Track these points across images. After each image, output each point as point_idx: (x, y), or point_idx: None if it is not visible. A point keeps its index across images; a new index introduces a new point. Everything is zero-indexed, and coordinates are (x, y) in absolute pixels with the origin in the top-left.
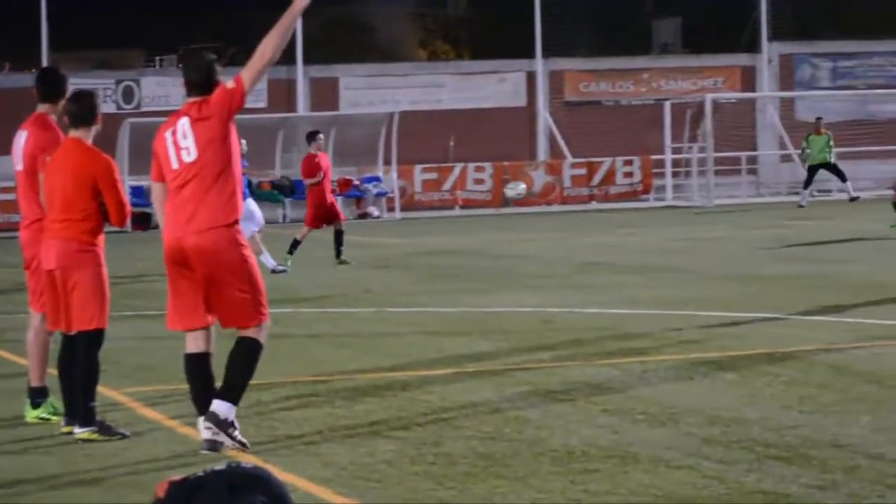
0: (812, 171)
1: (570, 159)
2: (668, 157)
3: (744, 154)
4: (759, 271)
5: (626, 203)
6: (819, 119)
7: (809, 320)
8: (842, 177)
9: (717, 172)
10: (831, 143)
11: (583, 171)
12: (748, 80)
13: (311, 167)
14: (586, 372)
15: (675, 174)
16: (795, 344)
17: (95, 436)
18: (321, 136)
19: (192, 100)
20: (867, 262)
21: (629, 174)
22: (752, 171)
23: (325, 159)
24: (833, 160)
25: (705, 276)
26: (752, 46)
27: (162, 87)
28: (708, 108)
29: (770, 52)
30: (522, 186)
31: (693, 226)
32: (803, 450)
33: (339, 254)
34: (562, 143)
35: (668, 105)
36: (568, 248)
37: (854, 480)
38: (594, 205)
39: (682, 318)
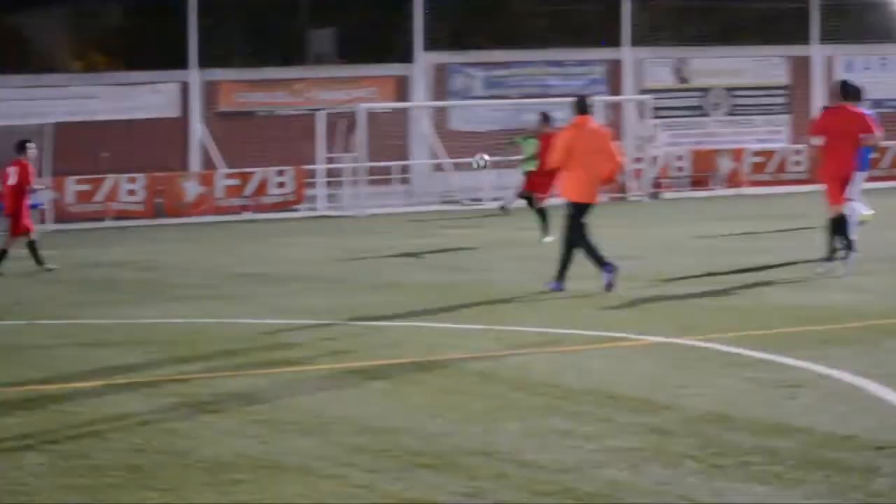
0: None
1: (223, 170)
2: (321, 167)
3: (396, 164)
4: (410, 280)
5: (280, 213)
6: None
7: (458, 328)
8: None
9: (370, 182)
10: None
11: (236, 181)
12: (402, 89)
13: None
14: (236, 382)
15: (328, 184)
16: (444, 352)
17: None
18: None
19: None
20: (513, 270)
21: (282, 184)
22: (405, 181)
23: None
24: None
25: (356, 286)
26: (406, 56)
27: None
28: (362, 117)
29: (424, 62)
30: (486, 158)
31: (345, 235)
32: (452, 457)
33: None
34: (215, 153)
35: (321, 115)
36: (220, 259)
37: (503, 487)
38: (247, 215)
39: (333, 327)
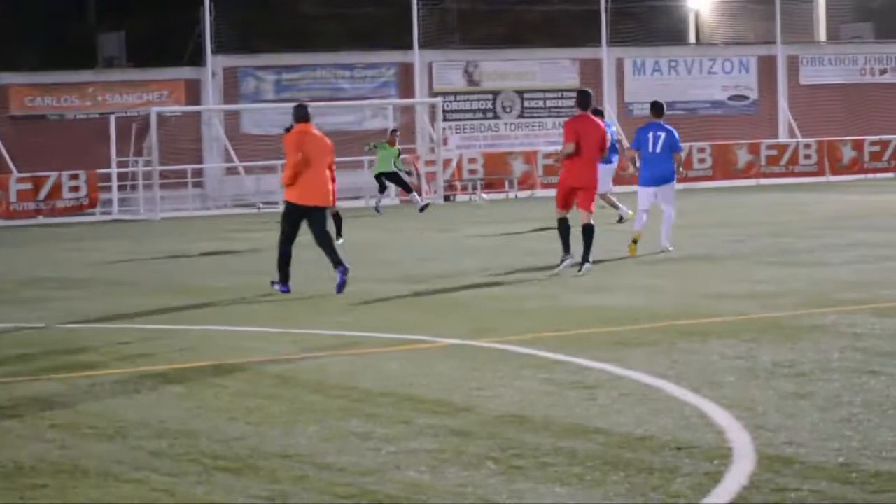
0: (378, 178)
1: (15, 174)
2: (114, 170)
3: (189, 167)
4: (204, 283)
5: (73, 217)
6: (394, 132)
7: (255, 331)
8: (406, 187)
9: (163, 186)
10: (401, 155)
11: (29, 185)
12: (193, 93)
13: None
14: (33, 387)
15: (121, 188)
16: (242, 355)
17: None
18: None
19: None
20: (308, 273)
21: (75, 188)
22: (198, 185)
23: None
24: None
25: (151, 290)
26: (197, 60)
27: None
28: (153, 121)
29: (214, 66)
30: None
31: (139, 239)
32: (251, 461)
33: None
34: (7, 158)
35: (113, 119)
36: (13, 263)
37: (303, 490)
38: (41, 219)
39: (130, 331)
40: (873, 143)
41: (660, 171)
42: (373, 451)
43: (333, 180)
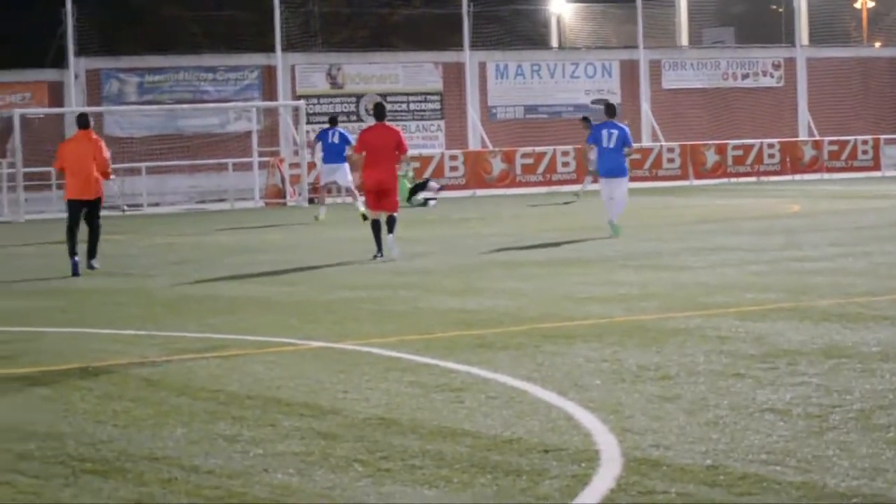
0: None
1: None
2: None
3: (53, 169)
4: (70, 286)
5: None
6: None
7: (122, 334)
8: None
9: (27, 188)
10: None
11: None
12: (56, 95)
13: None
14: None
15: None
16: (108, 358)
17: None
18: None
19: None
20: (172, 275)
21: None
22: (62, 187)
23: None
24: None
25: (13, 291)
26: (59, 62)
27: None
28: (17, 123)
29: (77, 68)
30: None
31: (2, 242)
32: (119, 463)
33: None
34: None
35: None
36: None
37: (170, 493)
38: None
39: None
40: (736, 147)
41: (615, 164)
42: (240, 453)
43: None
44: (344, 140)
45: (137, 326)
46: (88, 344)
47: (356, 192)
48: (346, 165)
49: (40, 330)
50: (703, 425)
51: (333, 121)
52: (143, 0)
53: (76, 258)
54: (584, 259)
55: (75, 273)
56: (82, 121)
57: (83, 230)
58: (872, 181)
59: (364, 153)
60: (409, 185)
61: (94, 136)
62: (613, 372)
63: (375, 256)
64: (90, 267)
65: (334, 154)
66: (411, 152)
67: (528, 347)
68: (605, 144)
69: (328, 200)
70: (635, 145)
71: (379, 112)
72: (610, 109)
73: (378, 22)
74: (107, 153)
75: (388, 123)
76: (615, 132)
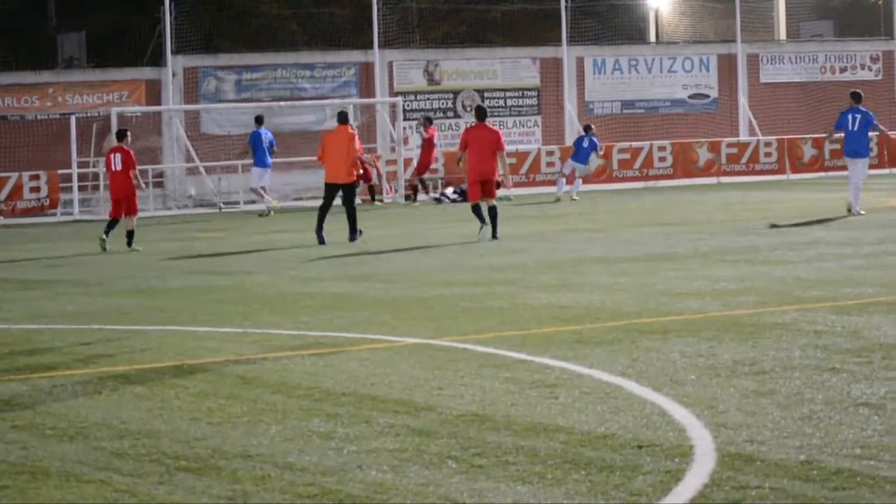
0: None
1: None
2: (75, 171)
3: (150, 167)
4: (167, 284)
5: (34, 218)
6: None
7: (217, 332)
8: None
9: None
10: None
11: None
12: (154, 93)
13: None
14: None
15: (81, 188)
16: (204, 356)
17: None
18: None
19: None
20: (268, 273)
21: (36, 189)
22: (159, 185)
23: None
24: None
25: (113, 290)
26: (157, 60)
27: None
28: (114, 121)
29: (174, 66)
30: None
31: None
32: (213, 461)
33: None
34: None
35: (73, 119)
36: None
37: (264, 490)
38: (2, 220)
39: (91, 332)
40: (834, 140)
41: (859, 145)
42: (334, 450)
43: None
44: (270, 143)
45: (234, 324)
46: (185, 342)
47: (260, 192)
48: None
49: (138, 328)
50: (798, 420)
51: (260, 120)
52: None
53: (322, 233)
54: (679, 254)
55: (321, 243)
56: (342, 117)
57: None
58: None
59: (467, 151)
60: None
61: (351, 130)
62: (708, 367)
63: (481, 228)
64: (352, 240)
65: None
66: (509, 148)
67: (624, 343)
68: (850, 128)
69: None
70: (732, 139)
71: (480, 114)
72: (856, 96)
73: (475, 18)
74: (360, 145)
75: (488, 124)
76: (859, 116)
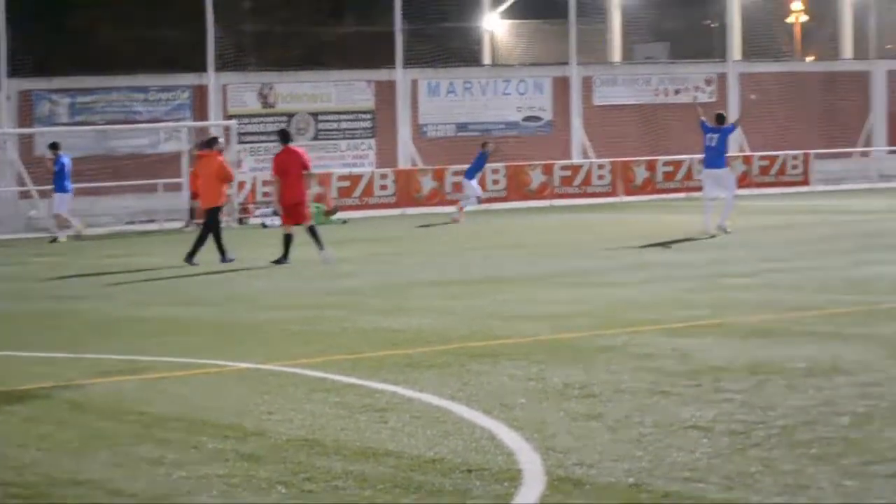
0: None
1: None
2: None
3: None
4: None
5: None
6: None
7: (48, 357)
8: None
9: None
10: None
11: None
12: None
13: None
14: None
15: None
16: (33, 381)
17: None
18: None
19: None
20: (100, 298)
21: None
22: None
23: None
24: None
25: None
26: None
27: None
28: None
29: (9, 89)
30: None
31: None
32: (43, 488)
33: None
34: None
35: None
36: None
37: None
38: None
39: None
40: (666, 163)
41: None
42: (164, 476)
43: None
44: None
45: (65, 349)
46: (14, 367)
47: (67, 219)
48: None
49: None
50: (627, 443)
51: (56, 146)
52: (78, 21)
53: (227, 254)
54: (511, 277)
55: (231, 260)
56: (209, 143)
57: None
58: (802, 196)
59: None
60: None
61: (219, 154)
62: (538, 390)
63: (279, 262)
64: (191, 261)
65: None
66: (341, 171)
67: (454, 366)
68: (710, 144)
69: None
70: (565, 162)
71: (283, 137)
72: (719, 118)
73: (310, 40)
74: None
75: (292, 146)
76: (717, 135)
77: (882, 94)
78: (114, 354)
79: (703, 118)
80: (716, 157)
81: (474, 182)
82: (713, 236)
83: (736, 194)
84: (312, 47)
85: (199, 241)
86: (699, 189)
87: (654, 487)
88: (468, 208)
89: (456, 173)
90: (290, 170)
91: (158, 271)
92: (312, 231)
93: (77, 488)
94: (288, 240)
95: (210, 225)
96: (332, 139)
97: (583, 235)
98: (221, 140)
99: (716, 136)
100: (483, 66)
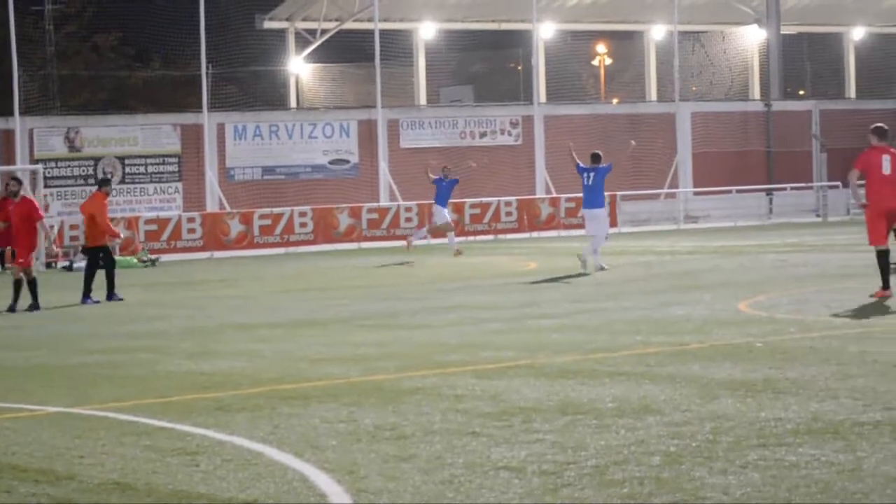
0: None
1: None
2: None
3: None
4: None
5: None
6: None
7: None
8: None
9: None
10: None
11: None
12: None
13: None
14: None
15: None
16: None
17: None
18: None
19: None
20: None
21: None
22: None
23: None
24: None
25: None
26: None
27: None
28: None
29: None
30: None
31: None
32: None
33: None
34: None
35: None
36: None
37: None
38: None
39: None
40: (473, 205)
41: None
42: None
43: None
44: None
45: None
46: None
47: None
48: None
49: None
50: (439, 484)
51: None
52: None
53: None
54: (320, 319)
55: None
56: (100, 183)
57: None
58: (610, 237)
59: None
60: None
61: (103, 195)
62: (349, 433)
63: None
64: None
65: None
66: (149, 214)
67: (265, 409)
68: (587, 183)
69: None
70: (373, 204)
71: (12, 188)
72: (595, 157)
73: (116, 84)
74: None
75: (28, 195)
76: (593, 174)
77: (687, 135)
78: None
79: (577, 160)
80: (593, 197)
81: (446, 210)
82: (586, 274)
83: (608, 234)
84: (118, 91)
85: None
86: (508, 231)
87: None
88: (415, 242)
89: (263, 216)
90: (22, 219)
91: None
92: (31, 283)
93: None
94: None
95: (92, 264)
96: (139, 183)
97: (391, 278)
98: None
99: (592, 174)
100: (289, 109)
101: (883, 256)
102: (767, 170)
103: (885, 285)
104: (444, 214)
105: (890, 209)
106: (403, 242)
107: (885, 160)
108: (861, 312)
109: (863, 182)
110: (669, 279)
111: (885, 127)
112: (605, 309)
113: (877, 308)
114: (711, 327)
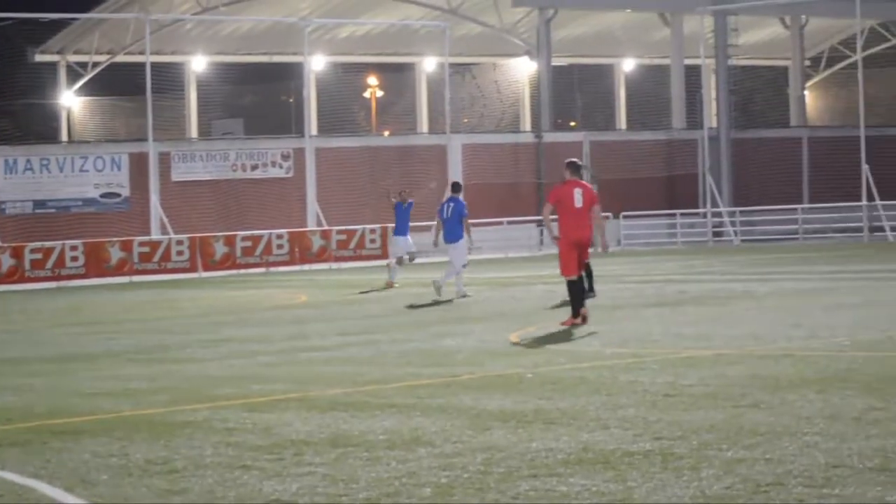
0: None
1: None
2: None
3: None
4: None
5: None
6: None
7: None
8: None
9: None
10: None
11: None
12: None
13: None
14: None
15: None
16: None
17: None
18: None
19: None
20: None
21: None
22: None
23: None
24: None
25: None
26: None
27: None
28: None
29: None
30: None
31: None
32: None
33: None
34: None
35: None
36: None
37: None
38: None
39: None
40: (245, 238)
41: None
42: None
43: None
44: None
45: None
46: None
47: None
48: None
49: None
50: None
51: None
52: None
53: None
54: (91, 354)
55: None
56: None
57: None
58: (381, 269)
59: None
60: None
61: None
62: (121, 466)
63: None
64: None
65: None
66: None
67: (35, 444)
68: (445, 216)
69: None
70: (144, 238)
71: None
72: (455, 187)
73: None
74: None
75: None
76: (453, 205)
77: (458, 166)
78: None
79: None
80: (452, 229)
81: (409, 238)
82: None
83: (465, 264)
84: None
85: None
86: (280, 264)
87: None
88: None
89: (34, 250)
90: None
91: None
92: None
93: None
94: None
95: None
96: None
97: (163, 311)
98: None
99: (451, 205)
100: (60, 143)
101: (574, 286)
102: (538, 201)
103: (575, 314)
104: (409, 243)
105: (580, 240)
106: (173, 276)
107: (577, 193)
108: (545, 340)
109: (555, 217)
110: (441, 311)
111: (579, 162)
112: (376, 341)
113: (565, 335)
114: (483, 358)
